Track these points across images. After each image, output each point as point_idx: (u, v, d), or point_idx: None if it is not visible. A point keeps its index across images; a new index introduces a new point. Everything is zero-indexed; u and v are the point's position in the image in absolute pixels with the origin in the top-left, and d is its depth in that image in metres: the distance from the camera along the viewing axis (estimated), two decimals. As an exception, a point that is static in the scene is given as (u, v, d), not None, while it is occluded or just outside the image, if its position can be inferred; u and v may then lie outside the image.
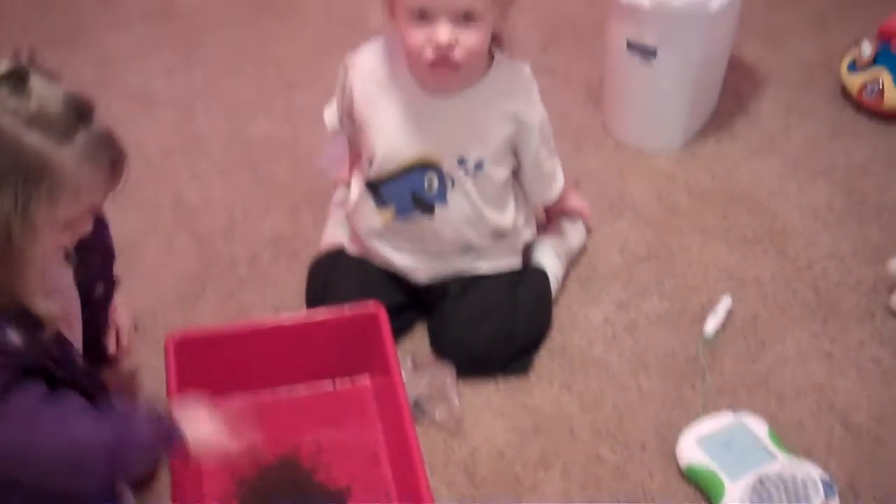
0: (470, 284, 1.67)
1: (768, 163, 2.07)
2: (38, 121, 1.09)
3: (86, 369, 1.31)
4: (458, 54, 1.43)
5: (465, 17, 1.41)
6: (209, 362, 1.51)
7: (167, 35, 2.43)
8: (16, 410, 1.16)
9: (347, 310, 1.57)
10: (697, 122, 2.13)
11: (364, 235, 1.69)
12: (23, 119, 1.08)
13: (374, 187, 1.62)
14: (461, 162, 1.56)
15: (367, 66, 1.58)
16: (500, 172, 1.61)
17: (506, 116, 1.56)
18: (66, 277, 1.32)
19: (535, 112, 1.60)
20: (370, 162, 1.59)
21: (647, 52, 1.96)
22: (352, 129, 1.66)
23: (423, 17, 1.41)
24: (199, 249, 1.87)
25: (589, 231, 1.89)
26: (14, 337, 1.14)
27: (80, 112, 1.13)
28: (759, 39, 2.40)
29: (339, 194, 1.85)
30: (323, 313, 1.58)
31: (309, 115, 2.13)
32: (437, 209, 1.60)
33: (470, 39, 1.42)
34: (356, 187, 1.68)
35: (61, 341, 1.26)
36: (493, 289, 1.67)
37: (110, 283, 1.50)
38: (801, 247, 1.88)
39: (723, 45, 2.08)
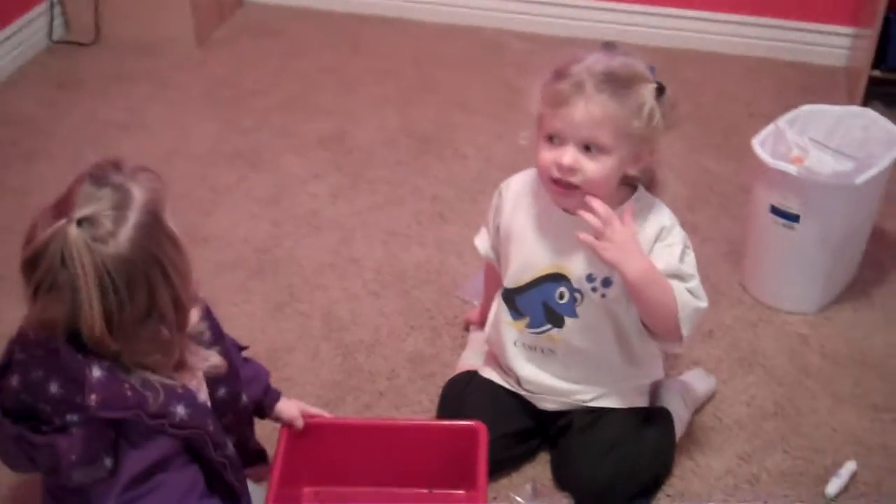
0: (596, 417, 1.73)
1: (904, 334, 2.09)
2: None
3: (237, 460, 1.44)
4: (577, 179, 1.55)
5: (591, 148, 1.54)
6: (317, 452, 1.65)
7: (338, 163, 2.62)
8: (171, 487, 1.29)
9: (449, 423, 1.68)
10: (835, 288, 2.17)
11: (500, 348, 1.78)
12: None
13: (510, 298, 1.73)
14: (589, 278, 1.65)
15: (516, 188, 1.73)
16: (626, 300, 1.66)
17: (640, 240, 1.62)
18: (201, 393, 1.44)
19: (670, 240, 1.63)
20: (508, 274, 1.71)
21: (791, 218, 2.02)
22: (497, 248, 1.78)
23: (555, 140, 1.55)
24: (343, 361, 2.00)
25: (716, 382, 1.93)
26: (181, 409, 1.27)
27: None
28: (903, 214, 2.43)
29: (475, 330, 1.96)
30: (426, 422, 1.71)
31: (458, 247, 2.28)
32: (567, 321, 1.69)
33: (591, 168, 1.54)
34: (494, 306, 1.79)
35: (219, 428, 1.39)
36: (620, 424, 1.72)
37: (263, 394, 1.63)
38: (933, 420, 1.88)
39: (866, 215, 2.13)
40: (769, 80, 3.05)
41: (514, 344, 1.75)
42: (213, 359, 1.39)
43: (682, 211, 2.39)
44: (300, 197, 2.49)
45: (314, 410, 1.70)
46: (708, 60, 3.15)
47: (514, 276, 1.71)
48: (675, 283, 1.59)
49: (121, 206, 1.21)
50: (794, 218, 2.02)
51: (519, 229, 1.70)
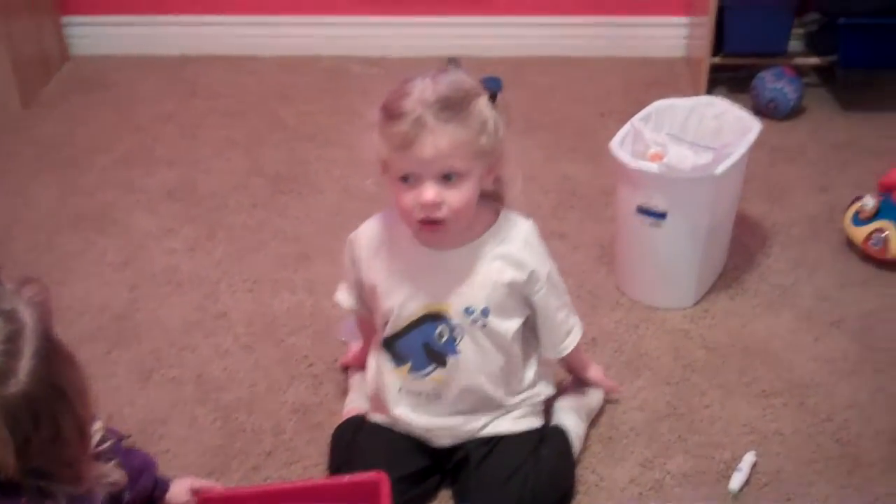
0: (492, 447, 1.68)
1: (781, 316, 2.11)
2: None
3: None
4: (444, 213, 1.50)
5: (448, 178, 1.49)
6: None
7: (190, 214, 2.51)
8: None
9: (350, 478, 1.59)
10: (709, 279, 2.18)
11: (385, 399, 1.71)
12: None
13: (390, 345, 1.67)
14: (468, 312, 1.61)
15: (370, 236, 1.67)
16: (508, 323, 1.64)
17: (507, 263, 1.61)
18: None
19: (540, 260, 1.64)
20: (384, 323, 1.65)
21: (658, 216, 2.02)
22: (364, 300, 1.72)
23: (409, 180, 1.50)
24: (224, 424, 1.89)
25: (615, 394, 1.91)
26: None
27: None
28: (763, 196, 2.47)
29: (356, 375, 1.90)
30: (325, 481, 1.63)
31: (327, 287, 2.16)
32: (450, 360, 1.64)
33: (455, 198, 1.50)
34: (373, 356, 1.72)
35: None
36: (515, 450, 1.67)
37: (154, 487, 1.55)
38: (821, 398, 1.90)
39: (730, 204, 2.14)
40: (615, 78, 3.08)
41: (399, 391, 1.69)
42: (113, 475, 1.33)
43: (547, 220, 2.39)
44: (155, 255, 2.36)
45: (203, 483, 1.60)
46: (553, 65, 3.15)
47: (391, 324, 1.65)
48: (572, 321, 1.73)
49: (13, 337, 1.12)
50: (661, 216, 2.01)
51: (384, 279, 1.65)
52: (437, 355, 1.64)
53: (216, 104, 3.00)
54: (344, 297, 1.77)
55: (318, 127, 2.85)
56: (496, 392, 1.68)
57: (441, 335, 1.63)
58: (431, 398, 1.68)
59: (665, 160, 1.99)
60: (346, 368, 1.96)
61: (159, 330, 2.13)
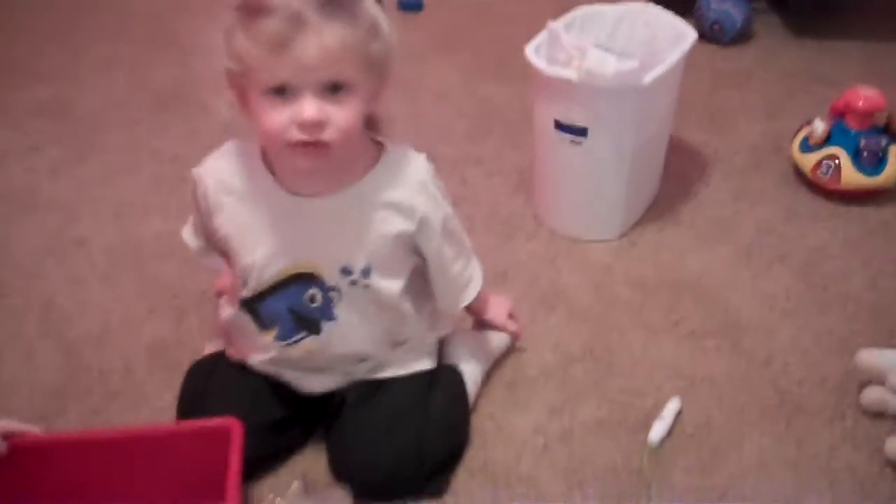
0: (371, 391, 1.42)
1: (717, 251, 1.86)
2: None
3: None
4: (329, 134, 1.20)
5: (334, 90, 1.19)
6: (30, 481, 1.29)
7: (59, 133, 2.21)
8: None
9: (195, 424, 1.33)
10: (637, 208, 1.92)
11: (244, 347, 1.45)
12: None
13: (251, 307, 1.38)
14: (345, 272, 1.33)
15: (218, 176, 1.35)
16: (394, 283, 1.37)
17: (395, 211, 1.32)
18: None
19: (433, 205, 1.35)
20: (242, 281, 1.36)
21: (577, 133, 1.76)
22: (218, 249, 1.42)
23: (284, 93, 1.19)
24: (66, 360, 1.62)
25: (517, 339, 1.65)
26: None
27: None
28: (703, 123, 2.23)
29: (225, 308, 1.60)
30: (166, 427, 1.36)
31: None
32: (325, 327, 1.36)
33: (342, 115, 1.20)
34: (230, 309, 1.44)
35: None
36: (400, 394, 1.42)
37: None
38: (758, 341, 1.65)
39: (660, 124, 1.89)
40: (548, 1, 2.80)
41: (264, 358, 1.42)
42: None
43: (462, 144, 2.13)
44: (11, 175, 2.07)
45: (20, 427, 1.32)
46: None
47: (250, 285, 1.35)
48: (470, 271, 1.47)
49: None
50: (581, 132, 1.75)
51: (238, 230, 1.34)
52: (308, 322, 1.36)
53: (105, 20, 2.69)
54: (190, 236, 1.48)
55: (211, 41, 2.54)
56: (379, 352, 1.43)
57: (312, 299, 1.35)
58: (304, 362, 1.41)
59: (585, 66, 1.72)
60: (220, 295, 1.66)
61: (4, 256, 1.85)
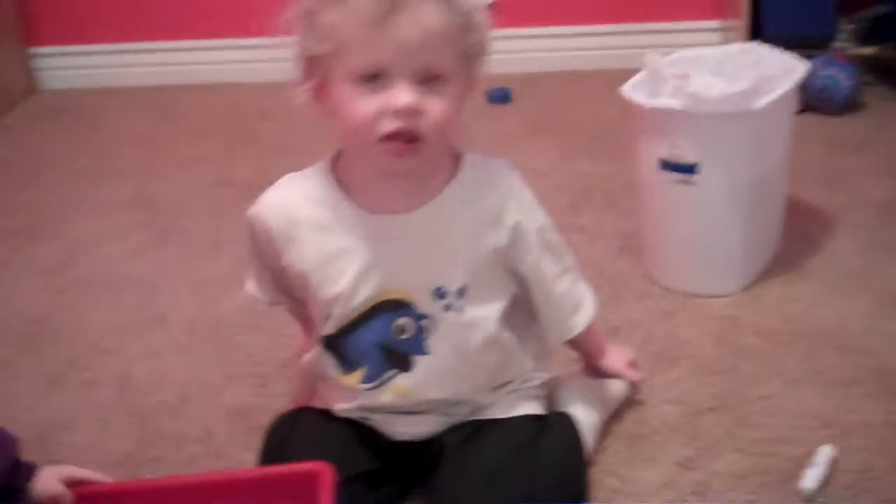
0: (474, 431, 1.24)
1: (854, 302, 1.67)
2: None
3: None
4: (424, 126, 1.08)
5: (429, 80, 1.08)
6: None
7: (141, 220, 2.16)
8: None
9: (278, 469, 1.18)
10: (757, 260, 1.75)
11: (330, 393, 1.29)
12: None
13: (334, 345, 1.23)
14: (439, 294, 1.18)
15: (284, 212, 1.21)
16: (491, 309, 1.22)
17: (484, 223, 1.18)
18: None
19: (526, 213, 1.21)
20: (324, 318, 1.22)
21: (686, 171, 1.62)
22: (289, 289, 1.28)
23: (376, 80, 1.07)
24: (140, 429, 1.48)
25: (638, 388, 1.46)
26: None
27: None
28: (821, 183, 2.07)
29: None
30: (247, 472, 1.22)
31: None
32: (416, 362, 1.21)
33: (437, 107, 1.08)
34: (314, 353, 1.29)
35: None
36: (506, 439, 1.23)
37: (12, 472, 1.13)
38: (914, 386, 1.44)
39: (776, 161, 1.73)
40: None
41: (352, 404, 1.26)
42: None
43: (562, 215, 1.98)
44: (93, 260, 1.99)
45: (83, 474, 1.17)
46: (572, 79, 2.81)
47: (335, 319, 1.20)
48: (581, 290, 1.31)
49: None
50: (690, 169, 1.61)
51: (315, 260, 1.19)
52: (398, 357, 1.21)
53: (189, 126, 2.68)
54: (255, 288, 1.35)
55: (292, 140, 2.48)
56: (478, 395, 1.26)
57: (402, 329, 1.20)
58: (394, 407, 1.25)
59: (690, 89, 1.58)
60: (301, 355, 1.50)
61: (80, 333, 1.74)
